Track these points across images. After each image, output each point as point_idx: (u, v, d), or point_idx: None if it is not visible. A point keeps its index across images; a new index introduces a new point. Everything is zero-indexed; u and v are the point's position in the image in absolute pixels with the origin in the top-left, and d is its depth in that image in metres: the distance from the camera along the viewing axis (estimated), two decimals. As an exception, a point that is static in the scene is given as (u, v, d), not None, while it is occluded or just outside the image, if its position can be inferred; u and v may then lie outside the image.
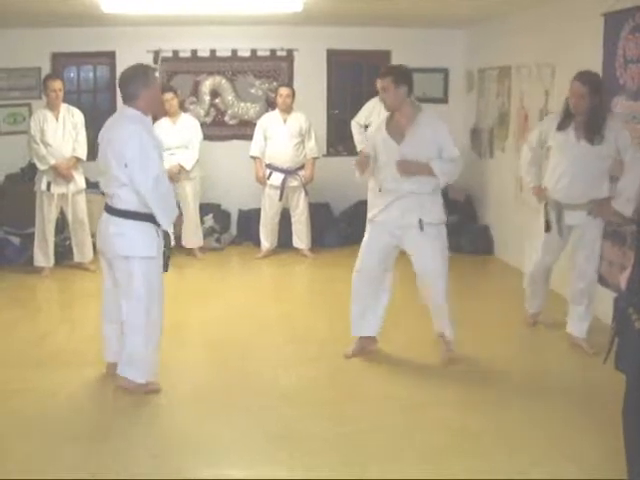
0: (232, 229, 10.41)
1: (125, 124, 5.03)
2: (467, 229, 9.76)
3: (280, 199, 9.30)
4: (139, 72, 5.22)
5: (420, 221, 5.63)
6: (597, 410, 4.96)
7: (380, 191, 5.86)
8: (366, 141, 6.42)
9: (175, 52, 10.33)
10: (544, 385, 5.48)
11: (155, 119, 9.71)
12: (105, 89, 10.63)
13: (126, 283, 5.07)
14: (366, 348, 6.07)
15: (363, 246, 5.96)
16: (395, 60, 10.37)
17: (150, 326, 5.13)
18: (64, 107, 8.45)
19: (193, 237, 9.44)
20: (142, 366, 5.18)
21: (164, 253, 5.12)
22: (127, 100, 5.19)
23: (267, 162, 9.34)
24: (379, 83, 5.85)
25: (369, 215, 5.99)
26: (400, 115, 5.72)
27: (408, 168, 5.59)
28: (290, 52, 10.49)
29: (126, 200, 4.99)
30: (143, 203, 4.95)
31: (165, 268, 5.18)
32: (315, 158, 9.44)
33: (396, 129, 5.72)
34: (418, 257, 5.78)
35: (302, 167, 9.37)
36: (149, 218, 5.00)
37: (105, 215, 5.16)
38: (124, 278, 5.08)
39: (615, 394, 3.88)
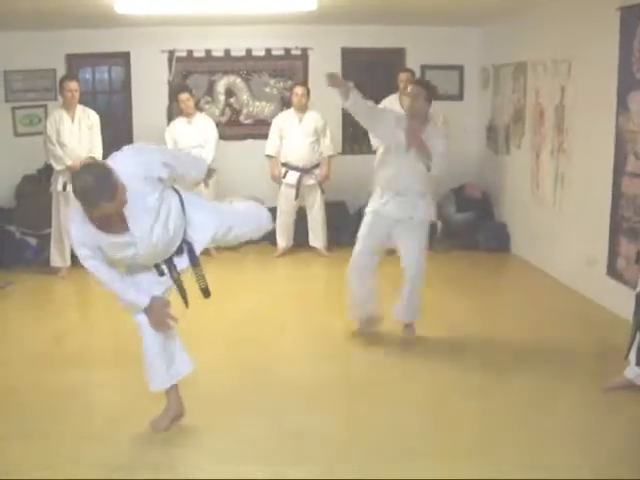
0: (248, 228, 10.39)
1: None
2: (483, 226, 9.74)
3: (296, 198, 9.30)
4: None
5: (414, 216, 6.14)
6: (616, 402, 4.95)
7: (382, 187, 6.30)
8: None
9: (189, 52, 10.34)
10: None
11: (171, 118, 9.77)
12: (120, 90, 10.66)
13: None
14: (372, 326, 6.48)
15: (361, 233, 6.40)
16: (410, 57, 10.37)
17: None
18: (80, 108, 8.48)
19: (209, 236, 9.42)
20: None
21: None
22: None
23: (283, 161, 9.34)
24: (413, 88, 6.35)
25: (371, 207, 6.39)
26: (415, 122, 6.12)
27: (416, 140, 5.99)
28: (305, 51, 10.48)
29: None
30: None
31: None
32: (331, 156, 9.43)
33: (410, 132, 6.08)
34: (403, 246, 6.28)
35: (317, 166, 9.36)
36: None
37: None
38: None
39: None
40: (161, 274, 4.59)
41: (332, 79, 6.22)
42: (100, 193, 3.85)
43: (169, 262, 4.57)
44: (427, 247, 6.34)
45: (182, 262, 4.65)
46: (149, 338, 4.68)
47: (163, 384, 4.75)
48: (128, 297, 4.49)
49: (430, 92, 6.21)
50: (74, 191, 3.98)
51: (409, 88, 8.52)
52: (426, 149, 5.98)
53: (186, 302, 4.76)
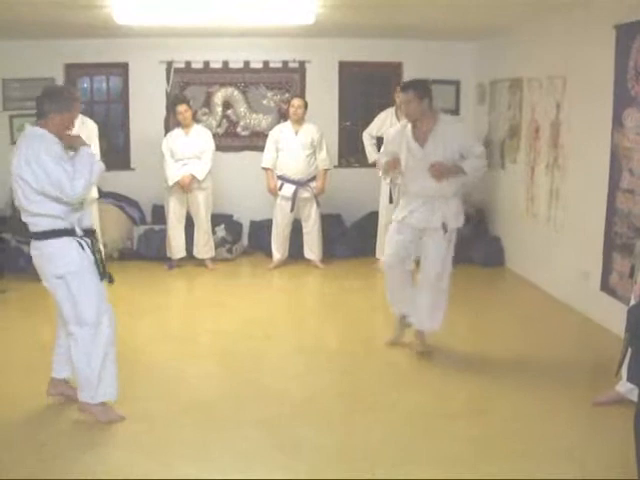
0: (243, 240, 10.42)
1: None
2: (478, 241, 9.75)
3: (292, 210, 9.32)
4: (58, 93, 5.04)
5: (444, 225, 6.07)
6: (606, 416, 4.97)
7: (405, 194, 6.28)
8: (384, 146, 6.66)
9: (188, 63, 10.38)
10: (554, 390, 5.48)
11: (168, 129, 9.81)
12: (118, 100, 10.68)
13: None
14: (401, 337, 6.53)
15: (389, 241, 6.39)
16: (407, 72, 10.41)
17: None
18: (78, 117, 8.46)
19: (204, 247, 9.46)
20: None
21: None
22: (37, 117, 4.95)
23: (279, 173, 9.36)
24: (402, 97, 6.18)
25: (396, 216, 6.34)
26: (422, 123, 6.06)
27: (439, 169, 5.96)
28: (302, 64, 10.53)
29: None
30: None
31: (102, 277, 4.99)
32: (327, 169, 9.44)
33: (419, 134, 6.09)
34: (426, 258, 6.21)
35: (314, 178, 9.38)
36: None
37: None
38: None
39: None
40: None
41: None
42: None
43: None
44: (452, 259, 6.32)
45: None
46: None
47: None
48: None
49: (420, 89, 6.04)
50: None
51: (397, 97, 8.61)
52: (452, 170, 5.98)
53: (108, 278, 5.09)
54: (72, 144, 4.90)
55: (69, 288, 4.82)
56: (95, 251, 4.89)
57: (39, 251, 4.82)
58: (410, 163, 6.12)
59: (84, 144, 4.95)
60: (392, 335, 6.55)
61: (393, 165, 6.21)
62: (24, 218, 4.79)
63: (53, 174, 4.60)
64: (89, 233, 4.93)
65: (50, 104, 4.84)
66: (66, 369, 5.20)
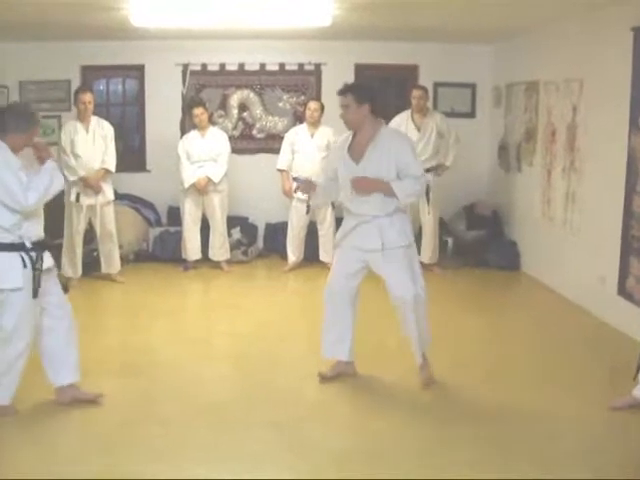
0: (259, 242, 10.41)
1: None
2: (494, 244, 9.73)
3: (307, 213, 9.30)
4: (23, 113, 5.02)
5: (382, 245, 5.40)
6: (623, 420, 4.95)
7: (345, 213, 5.69)
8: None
9: (204, 65, 10.40)
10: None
11: (184, 131, 9.83)
12: (134, 102, 10.71)
13: None
14: (343, 372, 5.82)
15: (332, 269, 5.78)
16: (423, 74, 10.40)
17: None
18: (94, 119, 8.52)
19: (220, 250, 9.47)
20: None
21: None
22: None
23: (294, 175, 9.34)
24: (340, 100, 5.54)
25: (336, 238, 5.81)
26: (361, 134, 5.48)
27: (363, 186, 5.40)
28: (318, 66, 10.52)
29: None
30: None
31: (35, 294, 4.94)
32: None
33: (357, 148, 5.48)
34: (387, 282, 5.54)
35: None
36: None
37: None
38: None
39: None
40: None
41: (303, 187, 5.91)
42: None
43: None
44: (419, 272, 5.61)
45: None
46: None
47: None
48: None
49: (359, 93, 5.45)
50: None
51: (413, 99, 8.47)
52: (377, 186, 5.37)
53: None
54: (40, 155, 4.99)
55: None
56: (35, 268, 4.88)
57: None
58: (344, 179, 5.52)
59: (50, 156, 5.01)
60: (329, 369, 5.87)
61: (306, 188, 5.88)
62: None
63: (7, 183, 4.68)
64: (38, 246, 4.95)
65: (10, 122, 4.87)
66: (62, 374, 5.22)
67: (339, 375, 5.80)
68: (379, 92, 6.25)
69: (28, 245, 4.86)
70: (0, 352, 4.91)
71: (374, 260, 5.50)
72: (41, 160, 4.98)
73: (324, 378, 5.76)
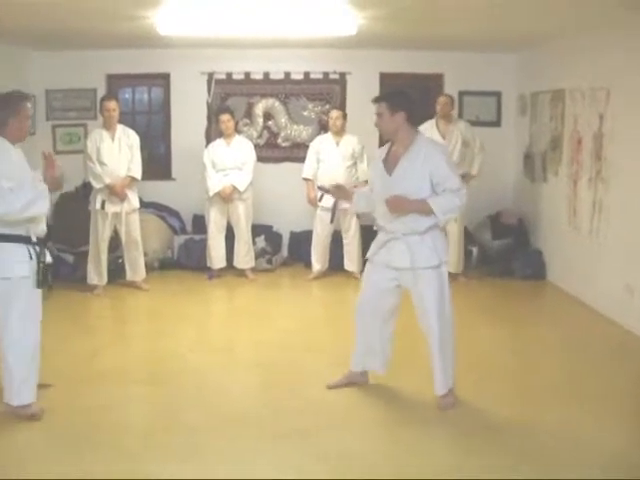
0: (283, 250, 10.42)
1: None
2: (519, 253, 9.68)
3: (331, 221, 9.25)
4: (9, 100, 5.09)
5: (411, 263, 5.23)
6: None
7: (375, 228, 5.59)
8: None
9: (229, 74, 10.43)
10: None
11: (209, 140, 9.86)
12: (159, 110, 10.76)
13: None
14: (353, 382, 5.81)
15: (363, 283, 5.66)
16: (448, 83, 10.38)
17: None
18: (120, 128, 8.57)
19: (245, 258, 9.48)
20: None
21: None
22: None
23: (319, 184, 9.34)
24: (376, 108, 5.38)
25: (368, 253, 5.63)
26: (397, 144, 5.33)
27: (399, 206, 5.19)
28: (343, 75, 10.53)
29: None
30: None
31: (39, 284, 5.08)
32: (367, 181, 9.40)
33: (392, 159, 5.32)
34: (415, 302, 5.40)
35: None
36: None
37: None
38: None
39: None
40: None
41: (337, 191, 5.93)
42: None
43: None
44: (448, 296, 5.39)
45: None
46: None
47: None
48: None
49: (393, 100, 5.30)
50: None
51: (438, 106, 8.46)
52: (413, 206, 5.15)
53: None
54: (46, 169, 5.14)
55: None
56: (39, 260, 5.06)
57: None
58: (378, 192, 5.38)
59: (53, 175, 5.11)
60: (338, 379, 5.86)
61: (337, 193, 5.93)
62: None
63: None
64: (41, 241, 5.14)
65: (3, 111, 5.00)
66: None
67: (349, 384, 5.79)
68: (416, 101, 5.90)
69: (34, 239, 5.04)
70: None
71: (405, 279, 5.35)
72: (46, 174, 5.11)
73: (329, 387, 5.77)
